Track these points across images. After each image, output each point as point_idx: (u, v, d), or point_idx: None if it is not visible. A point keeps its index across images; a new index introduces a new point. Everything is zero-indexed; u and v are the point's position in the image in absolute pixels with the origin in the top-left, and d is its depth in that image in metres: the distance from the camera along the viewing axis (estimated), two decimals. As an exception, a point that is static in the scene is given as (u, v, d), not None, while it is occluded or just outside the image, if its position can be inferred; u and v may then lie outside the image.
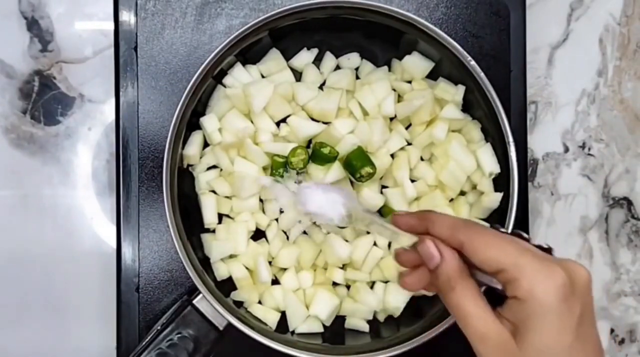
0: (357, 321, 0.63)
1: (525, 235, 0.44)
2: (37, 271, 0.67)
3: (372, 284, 0.64)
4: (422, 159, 0.64)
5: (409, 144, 0.63)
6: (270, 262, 0.63)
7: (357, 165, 0.59)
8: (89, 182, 0.68)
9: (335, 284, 0.63)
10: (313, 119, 0.63)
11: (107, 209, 0.68)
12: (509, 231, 0.46)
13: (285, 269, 0.63)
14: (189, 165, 0.63)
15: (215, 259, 0.61)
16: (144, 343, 0.58)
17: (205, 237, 0.63)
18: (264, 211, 0.63)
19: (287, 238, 0.63)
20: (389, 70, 0.65)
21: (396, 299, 0.62)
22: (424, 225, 0.44)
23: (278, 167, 0.61)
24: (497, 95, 0.58)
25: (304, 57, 0.64)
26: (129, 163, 0.63)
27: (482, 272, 0.42)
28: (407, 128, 0.64)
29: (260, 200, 0.63)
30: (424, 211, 0.46)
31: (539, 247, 0.43)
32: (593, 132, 0.71)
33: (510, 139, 0.59)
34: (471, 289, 0.41)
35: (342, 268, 0.63)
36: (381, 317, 0.64)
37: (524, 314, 0.39)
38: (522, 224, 0.65)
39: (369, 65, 0.65)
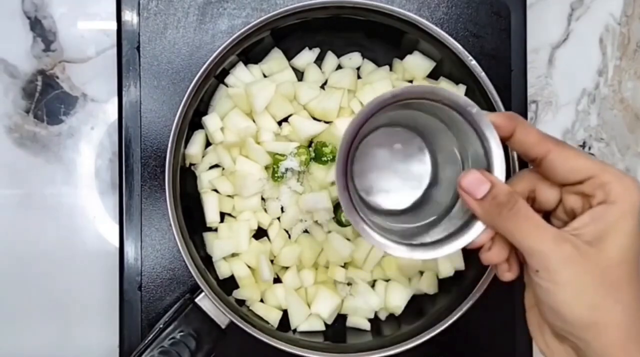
0: (359, 320, 0.63)
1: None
2: (39, 269, 0.67)
3: (373, 283, 0.64)
4: (423, 158, 0.64)
5: (410, 143, 0.63)
6: (272, 261, 0.63)
7: (359, 165, 0.60)
8: (91, 181, 0.68)
9: (336, 282, 0.64)
10: (315, 119, 0.63)
11: (109, 208, 0.68)
12: None
13: (287, 268, 0.63)
14: (191, 164, 0.64)
15: (217, 258, 0.62)
16: (146, 341, 0.59)
17: (207, 235, 0.63)
18: (265, 210, 0.63)
19: (289, 237, 0.63)
20: (391, 69, 0.65)
21: (397, 298, 0.62)
22: (513, 125, 0.43)
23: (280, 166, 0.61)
24: (498, 94, 0.58)
25: (306, 57, 0.65)
26: (132, 162, 0.63)
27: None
28: (408, 127, 0.64)
29: (262, 198, 0.63)
30: (513, 114, 0.44)
31: None
32: (593, 131, 0.71)
33: (511, 138, 0.59)
34: (530, 211, 0.41)
35: (343, 267, 0.63)
36: (382, 316, 0.64)
37: (613, 217, 0.40)
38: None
39: (371, 65, 0.65)
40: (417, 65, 0.63)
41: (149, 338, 0.59)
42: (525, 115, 0.66)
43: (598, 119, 0.71)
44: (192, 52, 0.64)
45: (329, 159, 0.60)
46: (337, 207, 0.61)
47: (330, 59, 0.65)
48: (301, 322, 0.62)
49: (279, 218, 0.63)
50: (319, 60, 0.65)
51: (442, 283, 0.63)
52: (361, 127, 0.44)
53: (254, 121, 0.62)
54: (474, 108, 0.43)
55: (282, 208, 0.63)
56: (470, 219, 0.45)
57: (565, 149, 0.42)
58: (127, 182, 0.63)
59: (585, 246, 0.40)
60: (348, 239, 0.62)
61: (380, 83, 0.62)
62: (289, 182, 0.62)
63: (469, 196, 0.42)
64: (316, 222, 0.63)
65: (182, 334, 0.58)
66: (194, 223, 0.62)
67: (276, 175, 0.61)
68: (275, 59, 0.64)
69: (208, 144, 0.63)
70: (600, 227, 0.40)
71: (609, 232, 0.40)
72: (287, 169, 0.61)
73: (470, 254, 0.63)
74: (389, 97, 0.43)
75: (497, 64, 0.65)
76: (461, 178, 0.43)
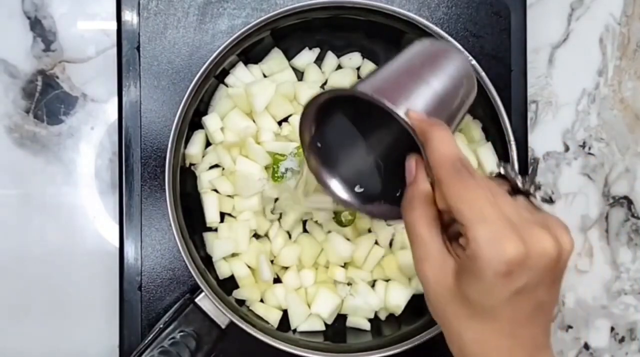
0: (359, 319, 0.63)
1: (511, 175, 0.43)
2: (39, 269, 0.67)
3: (373, 283, 0.64)
4: (423, 158, 0.64)
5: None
6: (272, 261, 0.63)
7: (359, 165, 0.60)
8: (91, 181, 0.68)
9: (336, 282, 0.64)
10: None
11: (109, 208, 0.68)
12: (500, 170, 0.44)
13: (286, 268, 0.63)
14: (191, 164, 0.64)
15: (217, 258, 0.62)
16: (146, 341, 0.59)
17: (207, 236, 0.63)
18: (264, 212, 0.63)
19: (289, 237, 0.63)
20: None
21: (397, 298, 0.62)
22: (423, 138, 0.43)
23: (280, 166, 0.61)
24: (498, 94, 0.58)
25: (306, 57, 0.65)
26: (132, 162, 0.63)
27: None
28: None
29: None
30: (431, 124, 0.43)
31: (525, 192, 0.42)
32: (593, 131, 0.71)
33: (511, 138, 0.59)
34: (430, 216, 0.41)
35: (343, 267, 0.63)
36: (382, 316, 0.64)
37: (465, 266, 0.39)
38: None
39: (371, 65, 0.65)
40: (417, 65, 0.63)
41: (149, 338, 0.59)
42: (525, 115, 0.66)
43: (598, 119, 0.71)
44: (192, 52, 0.64)
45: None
46: (337, 207, 0.61)
47: (330, 59, 0.65)
48: (301, 322, 0.62)
49: (279, 219, 0.63)
50: (318, 60, 0.65)
51: (442, 283, 0.63)
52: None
53: (254, 121, 0.62)
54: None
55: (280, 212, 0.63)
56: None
57: (451, 186, 0.40)
58: (127, 182, 0.63)
59: (450, 276, 0.40)
60: (348, 239, 0.62)
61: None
62: (288, 182, 0.62)
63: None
64: (316, 222, 0.63)
65: (182, 334, 0.58)
66: (194, 223, 0.62)
67: (276, 175, 0.61)
68: (275, 59, 0.64)
69: (208, 144, 0.63)
70: (460, 264, 0.40)
71: (461, 278, 0.40)
72: (287, 169, 0.61)
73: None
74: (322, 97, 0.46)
75: (497, 64, 0.65)
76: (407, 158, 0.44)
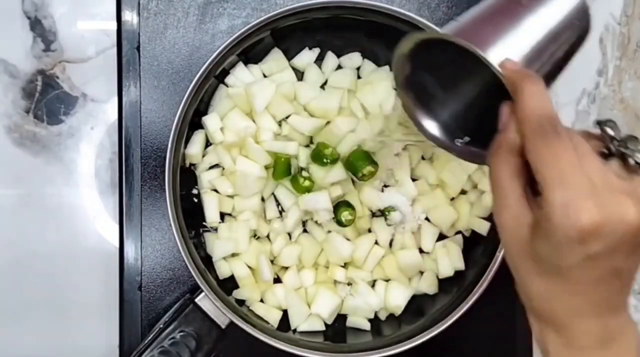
0: (359, 320, 0.63)
1: (608, 135, 0.41)
2: (39, 269, 0.67)
3: (373, 283, 0.64)
4: (423, 158, 0.64)
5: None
6: (272, 261, 0.63)
7: (359, 165, 0.60)
8: (91, 181, 0.68)
9: (336, 282, 0.64)
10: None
11: (109, 208, 0.68)
12: (599, 126, 0.42)
13: (287, 268, 0.63)
14: (191, 164, 0.64)
15: (217, 258, 0.62)
16: (146, 341, 0.59)
17: (207, 235, 0.63)
18: (264, 212, 0.63)
19: (289, 237, 0.63)
20: (391, 69, 0.65)
21: (397, 298, 0.62)
22: (514, 90, 0.41)
23: (281, 165, 0.61)
24: (498, 94, 0.58)
25: (306, 57, 0.65)
26: (132, 162, 0.63)
27: None
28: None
29: (262, 199, 0.63)
30: (524, 76, 0.41)
31: (620, 155, 0.40)
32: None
33: (511, 138, 0.59)
34: (514, 166, 0.41)
35: (343, 267, 0.63)
36: (382, 316, 0.64)
37: (540, 224, 0.38)
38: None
39: (371, 65, 0.65)
40: (417, 65, 0.63)
41: (149, 338, 0.59)
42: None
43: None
44: (192, 52, 0.64)
45: (329, 161, 0.60)
46: (337, 207, 0.61)
47: (330, 59, 0.65)
48: (301, 322, 0.62)
49: (280, 217, 0.63)
50: (318, 60, 0.65)
51: (442, 283, 0.63)
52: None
53: (253, 121, 0.62)
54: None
55: (281, 209, 0.63)
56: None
57: (539, 151, 0.39)
58: (127, 182, 0.63)
59: (526, 229, 0.40)
60: (348, 239, 0.62)
61: (380, 83, 0.62)
62: (286, 183, 0.62)
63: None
64: (316, 222, 0.63)
65: (182, 334, 0.58)
66: (193, 223, 0.62)
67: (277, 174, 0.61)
68: (275, 59, 0.64)
69: (208, 144, 0.63)
70: (537, 218, 0.40)
71: (534, 236, 0.39)
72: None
73: (470, 254, 0.63)
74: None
75: (497, 64, 0.65)
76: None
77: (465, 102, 0.51)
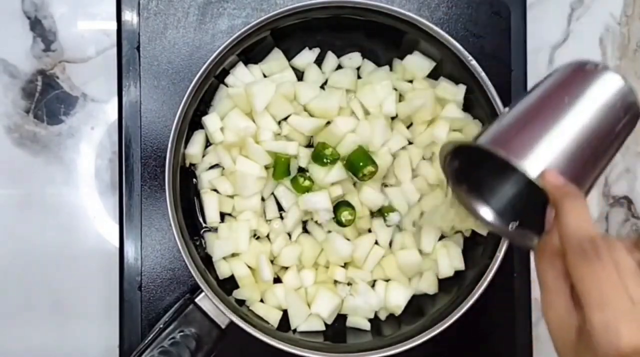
0: (359, 320, 0.63)
1: None
2: (39, 269, 0.67)
3: (373, 283, 0.64)
4: (423, 158, 0.64)
5: (410, 143, 0.64)
6: (272, 261, 0.63)
7: (359, 165, 0.60)
8: (91, 181, 0.68)
9: (336, 282, 0.64)
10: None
11: (109, 208, 0.68)
12: None
13: (287, 268, 0.63)
14: (191, 164, 0.64)
15: (217, 258, 0.62)
16: (146, 341, 0.59)
17: (207, 235, 0.63)
18: (264, 212, 0.63)
19: (289, 237, 0.63)
20: (391, 69, 0.65)
21: (397, 298, 0.62)
22: (555, 206, 0.42)
23: (282, 165, 0.61)
24: (498, 94, 0.58)
25: (306, 57, 0.65)
26: (132, 162, 0.63)
27: None
28: (408, 127, 0.64)
29: (262, 199, 0.63)
30: (564, 193, 0.41)
31: None
32: (593, 131, 0.71)
33: (511, 138, 0.59)
34: (559, 269, 0.41)
35: (343, 267, 0.63)
36: (382, 316, 0.64)
37: (585, 334, 0.39)
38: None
39: (371, 65, 0.65)
40: (417, 65, 0.63)
41: (149, 338, 0.59)
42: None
43: (598, 119, 0.71)
44: (192, 52, 0.64)
45: (329, 161, 0.60)
46: (337, 207, 0.61)
47: (330, 59, 0.65)
48: (301, 322, 0.62)
49: (280, 217, 0.63)
50: (319, 60, 0.65)
51: (442, 283, 0.63)
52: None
53: (253, 121, 0.62)
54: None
55: (281, 209, 0.63)
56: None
57: (584, 276, 0.39)
58: (127, 182, 0.63)
59: (572, 332, 0.41)
60: (348, 239, 0.62)
61: (380, 83, 0.62)
62: (286, 183, 0.62)
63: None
64: (316, 222, 0.63)
65: (182, 334, 0.58)
66: (194, 223, 0.62)
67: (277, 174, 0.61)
68: (275, 59, 0.64)
69: (208, 144, 0.63)
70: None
71: (583, 342, 0.40)
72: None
73: (470, 254, 0.63)
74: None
75: (498, 64, 0.65)
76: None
77: (515, 187, 0.51)
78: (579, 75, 0.45)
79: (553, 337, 0.42)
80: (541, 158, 0.41)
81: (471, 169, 0.50)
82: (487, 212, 0.51)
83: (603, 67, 0.47)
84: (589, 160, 0.43)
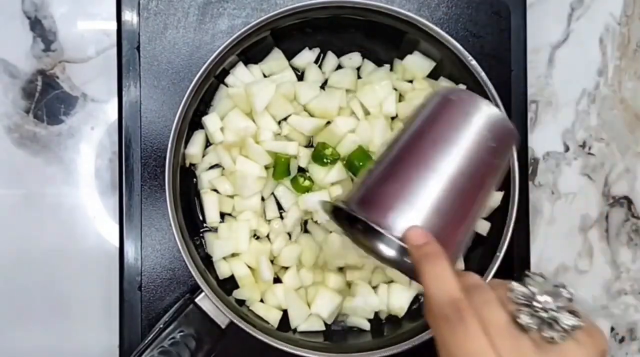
0: (359, 320, 0.63)
1: (525, 295, 0.37)
2: (39, 269, 0.67)
3: (375, 286, 0.64)
4: (423, 158, 0.64)
5: (410, 143, 0.63)
6: (272, 261, 0.63)
7: (359, 165, 0.60)
8: (91, 181, 0.68)
9: (336, 282, 0.64)
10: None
11: (109, 208, 0.68)
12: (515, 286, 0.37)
13: (287, 268, 0.63)
14: (191, 164, 0.64)
15: (217, 258, 0.62)
16: (146, 341, 0.59)
17: (207, 236, 0.63)
18: (264, 212, 0.63)
19: (289, 237, 0.63)
20: (391, 69, 0.65)
21: (400, 300, 0.62)
22: (417, 269, 0.39)
23: (282, 165, 0.61)
24: (498, 94, 0.58)
25: (306, 57, 0.65)
26: (132, 162, 0.63)
27: None
28: (408, 127, 0.64)
29: (262, 199, 0.63)
30: (424, 255, 0.39)
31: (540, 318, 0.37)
32: (593, 131, 0.71)
33: (511, 138, 0.59)
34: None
35: (342, 268, 0.63)
36: (383, 316, 0.64)
37: None
38: (523, 223, 0.66)
39: (371, 65, 0.65)
40: (417, 65, 0.63)
41: (149, 338, 0.59)
42: (525, 115, 0.66)
43: (598, 119, 0.71)
44: (192, 52, 0.64)
45: (329, 161, 0.60)
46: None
47: (330, 59, 0.65)
48: (301, 322, 0.62)
49: (280, 217, 0.63)
50: (319, 60, 0.65)
51: (442, 283, 0.63)
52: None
53: (253, 121, 0.62)
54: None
55: (281, 209, 0.63)
56: None
57: (440, 331, 0.37)
58: (127, 182, 0.63)
59: None
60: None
61: (380, 83, 0.62)
62: (286, 183, 0.62)
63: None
64: (316, 222, 0.63)
65: (182, 334, 0.58)
66: (193, 223, 0.62)
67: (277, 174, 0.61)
68: (275, 59, 0.64)
69: (208, 144, 0.63)
70: None
71: None
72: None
73: (470, 254, 0.63)
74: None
75: (497, 64, 0.65)
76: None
77: None
78: (443, 107, 0.41)
79: None
80: (404, 215, 0.38)
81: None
82: (386, 249, 0.46)
83: (468, 95, 0.42)
84: (462, 203, 0.39)
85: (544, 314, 0.37)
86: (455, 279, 0.38)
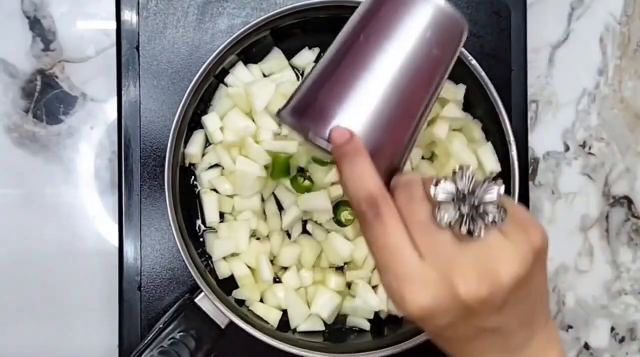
0: (359, 320, 0.63)
1: (458, 186, 0.35)
2: (39, 269, 0.67)
3: (375, 285, 0.64)
4: (423, 158, 0.64)
5: (410, 143, 0.63)
6: (272, 261, 0.63)
7: (359, 165, 0.60)
8: (91, 181, 0.68)
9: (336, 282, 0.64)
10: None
11: (109, 208, 0.68)
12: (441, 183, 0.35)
13: (287, 268, 0.63)
14: (191, 164, 0.64)
15: (217, 258, 0.62)
16: (146, 341, 0.58)
17: (207, 236, 0.63)
18: (265, 212, 0.63)
19: (289, 237, 0.63)
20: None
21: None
22: (338, 168, 0.38)
23: (279, 165, 0.61)
24: (498, 94, 0.58)
25: (306, 57, 0.65)
26: (132, 162, 0.63)
27: None
28: (408, 127, 0.64)
29: (262, 199, 0.63)
30: (343, 154, 0.37)
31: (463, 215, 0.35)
32: (594, 131, 0.71)
33: (511, 138, 0.59)
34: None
35: (343, 267, 0.63)
36: (383, 316, 0.64)
37: None
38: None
39: (371, 65, 0.65)
40: (417, 65, 0.63)
41: (149, 338, 0.58)
42: (525, 115, 0.66)
43: (598, 119, 0.71)
44: (192, 52, 0.64)
45: (329, 161, 0.60)
46: (337, 207, 0.61)
47: (330, 58, 0.65)
48: (301, 322, 0.62)
49: (279, 217, 0.63)
50: (318, 61, 0.65)
51: (442, 283, 0.63)
52: None
53: (253, 121, 0.62)
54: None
55: (281, 209, 0.63)
56: None
57: (361, 226, 0.37)
58: (127, 182, 0.63)
59: None
60: (348, 239, 0.62)
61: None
62: (286, 183, 0.62)
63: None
64: (316, 222, 0.63)
65: (182, 334, 0.58)
66: (193, 223, 0.62)
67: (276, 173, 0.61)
68: (275, 58, 0.64)
69: (208, 144, 0.63)
70: None
71: None
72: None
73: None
74: None
75: (498, 63, 0.65)
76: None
77: None
78: (379, 1, 0.38)
79: None
80: (334, 118, 0.35)
81: None
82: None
83: None
84: (404, 102, 0.36)
85: (464, 209, 0.35)
86: (375, 176, 0.37)
